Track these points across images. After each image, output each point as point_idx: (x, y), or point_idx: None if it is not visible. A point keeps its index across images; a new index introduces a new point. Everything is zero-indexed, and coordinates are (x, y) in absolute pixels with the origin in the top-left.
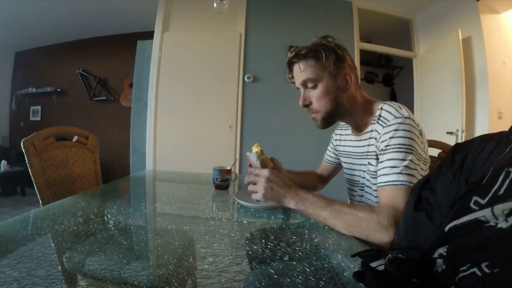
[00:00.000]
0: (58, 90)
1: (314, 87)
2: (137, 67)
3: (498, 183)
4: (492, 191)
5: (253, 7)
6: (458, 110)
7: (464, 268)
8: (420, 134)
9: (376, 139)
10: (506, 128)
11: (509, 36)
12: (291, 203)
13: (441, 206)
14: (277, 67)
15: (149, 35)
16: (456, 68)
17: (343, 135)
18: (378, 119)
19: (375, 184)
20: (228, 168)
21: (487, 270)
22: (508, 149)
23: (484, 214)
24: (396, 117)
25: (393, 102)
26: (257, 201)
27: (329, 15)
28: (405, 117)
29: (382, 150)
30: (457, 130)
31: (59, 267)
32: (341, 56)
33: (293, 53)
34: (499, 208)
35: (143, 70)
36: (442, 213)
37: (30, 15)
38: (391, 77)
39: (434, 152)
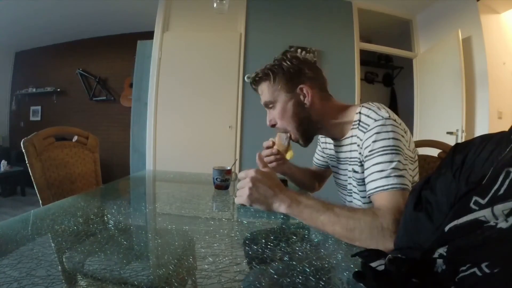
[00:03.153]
0: (58, 90)
1: (273, 107)
2: (137, 67)
3: (498, 183)
4: (492, 191)
5: (253, 7)
6: (458, 110)
7: (464, 268)
8: (405, 132)
9: (359, 145)
10: (506, 128)
11: (509, 36)
12: (281, 207)
13: (441, 206)
14: None
15: (149, 35)
16: (456, 68)
17: (328, 137)
18: (358, 124)
19: (362, 191)
20: (228, 168)
21: (487, 270)
22: (508, 149)
23: (484, 214)
24: (376, 120)
25: (371, 103)
26: (242, 205)
27: (329, 15)
28: (386, 118)
29: (366, 156)
30: (457, 130)
31: (59, 267)
32: (295, 71)
33: (250, 80)
34: (499, 208)
35: (143, 70)
36: (442, 213)
37: (30, 15)
38: (391, 77)
39: (434, 152)
